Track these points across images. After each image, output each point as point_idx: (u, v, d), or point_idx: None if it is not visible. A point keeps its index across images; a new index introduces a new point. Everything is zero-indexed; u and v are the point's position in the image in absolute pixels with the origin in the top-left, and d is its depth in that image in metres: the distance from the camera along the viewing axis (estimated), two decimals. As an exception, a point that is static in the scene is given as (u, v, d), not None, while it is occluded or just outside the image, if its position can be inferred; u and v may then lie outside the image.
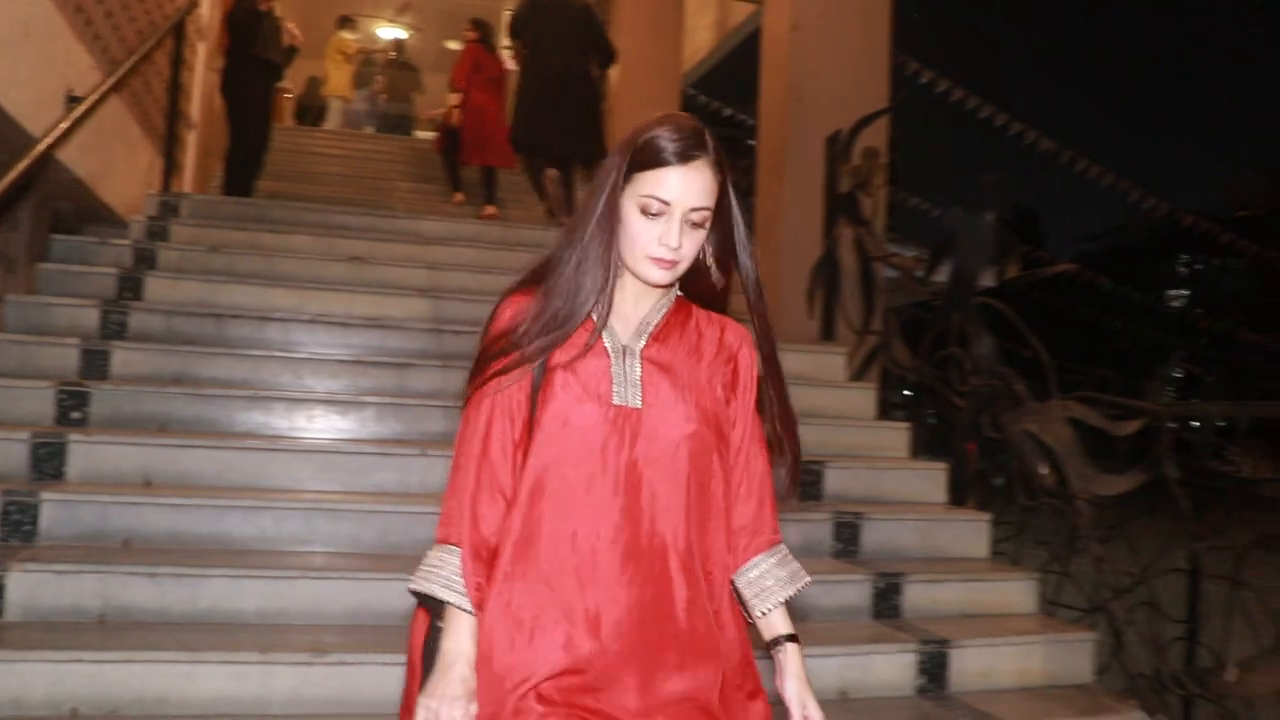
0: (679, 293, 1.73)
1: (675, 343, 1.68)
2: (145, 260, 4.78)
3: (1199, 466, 3.58)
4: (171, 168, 6.09)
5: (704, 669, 1.59)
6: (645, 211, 1.56)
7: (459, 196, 8.19)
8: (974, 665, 3.45)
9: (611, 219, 1.59)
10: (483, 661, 1.54)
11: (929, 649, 3.40)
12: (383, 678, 2.78)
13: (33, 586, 2.89)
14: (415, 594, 1.62)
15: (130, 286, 4.49)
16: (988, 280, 4.12)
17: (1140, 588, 3.64)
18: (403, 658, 2.99)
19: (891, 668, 3.37)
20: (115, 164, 5.19)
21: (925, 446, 4.68)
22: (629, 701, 1.54)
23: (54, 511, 3.18)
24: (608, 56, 6.84)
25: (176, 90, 6.16)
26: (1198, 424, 4.26)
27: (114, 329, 4.19)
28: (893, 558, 3.92)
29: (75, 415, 3.67)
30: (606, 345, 1.65)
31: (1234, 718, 3.07)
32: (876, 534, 3.98)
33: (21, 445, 3.39)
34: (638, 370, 1.64)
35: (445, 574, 1.58)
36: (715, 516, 1.66)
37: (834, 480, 4.24)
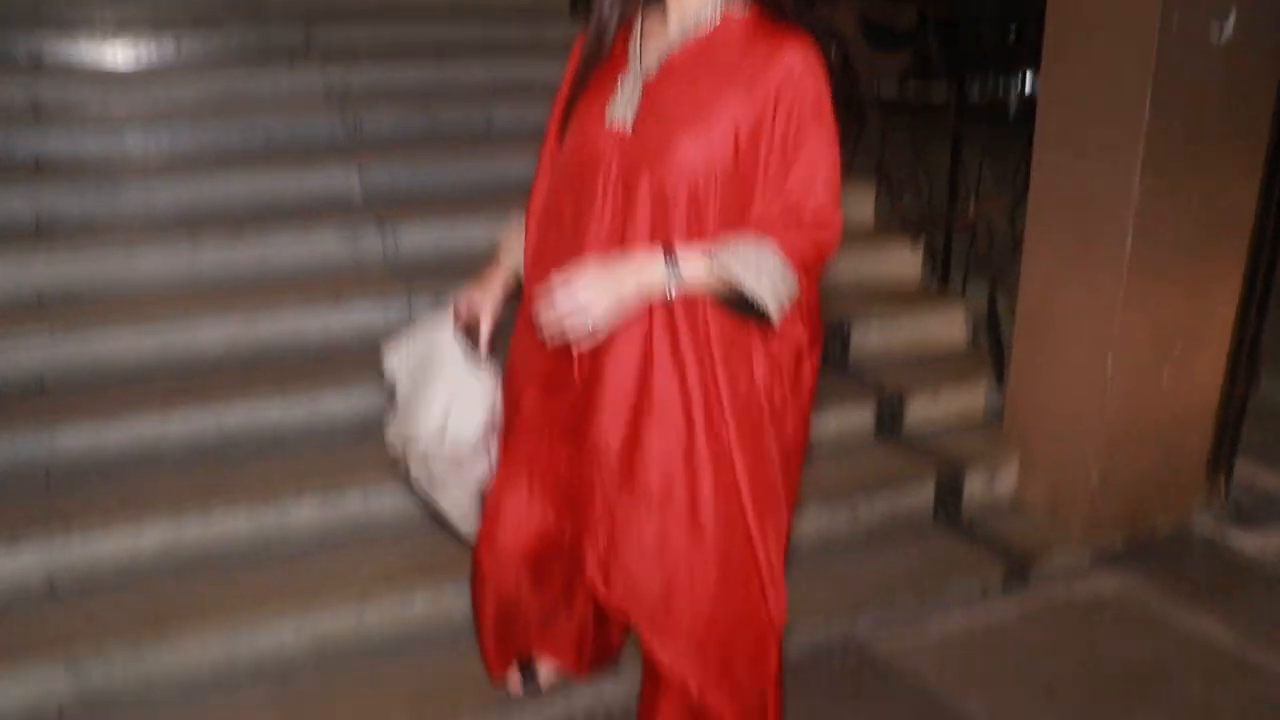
0: (751, 2, 1.54)
1: (699, 65, 1.51)
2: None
3: (960, 50, 4.24)
4: None
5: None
6: None
7: None
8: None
9: None
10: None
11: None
12: (295, 249, 3.35)
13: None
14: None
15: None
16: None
17: (915, 157, 4.39)
18: (302, 230, 3.52)
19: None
20: None
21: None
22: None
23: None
24: None
25: None
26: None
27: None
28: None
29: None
30: (632, 66, 1.57)
31: (972, 229, 3.98)
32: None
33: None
34: (639, 92, 1.53)
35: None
36: None
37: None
